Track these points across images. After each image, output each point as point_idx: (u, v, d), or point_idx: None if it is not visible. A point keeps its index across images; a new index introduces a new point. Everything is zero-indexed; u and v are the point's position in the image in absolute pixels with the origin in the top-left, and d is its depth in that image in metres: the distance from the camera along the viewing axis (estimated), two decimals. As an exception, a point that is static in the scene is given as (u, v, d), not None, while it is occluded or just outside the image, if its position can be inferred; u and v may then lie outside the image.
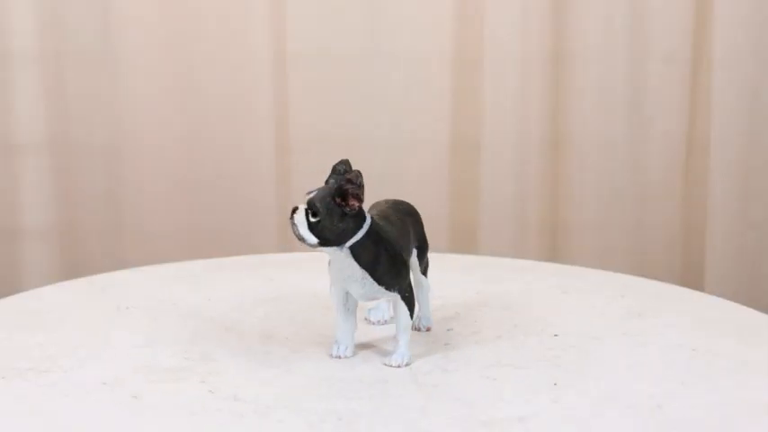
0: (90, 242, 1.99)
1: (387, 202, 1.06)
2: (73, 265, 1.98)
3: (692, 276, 2.00)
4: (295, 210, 0.95)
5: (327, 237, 0.95)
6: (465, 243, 1.99)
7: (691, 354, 1.03)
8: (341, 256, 0.97)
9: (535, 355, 1.03)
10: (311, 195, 0.95)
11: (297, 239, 0.95)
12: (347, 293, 1.01)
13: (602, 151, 1.98)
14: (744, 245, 1.97)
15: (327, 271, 1.01)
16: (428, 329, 1.10)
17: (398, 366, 0.99)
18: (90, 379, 0.96)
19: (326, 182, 0.98)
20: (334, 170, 0.98)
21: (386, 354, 1.02)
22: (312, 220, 0.94)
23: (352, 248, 0.96)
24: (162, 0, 1.90)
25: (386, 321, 1.12)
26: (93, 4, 1.90)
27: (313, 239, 0.94)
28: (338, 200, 0.95)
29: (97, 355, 1.02)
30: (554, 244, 2.03)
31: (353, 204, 0.95)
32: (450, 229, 1.98)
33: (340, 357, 1.01)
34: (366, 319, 1.11)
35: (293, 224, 0.95)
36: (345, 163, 0.99)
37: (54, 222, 1.98)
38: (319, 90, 1.96)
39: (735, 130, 1.93)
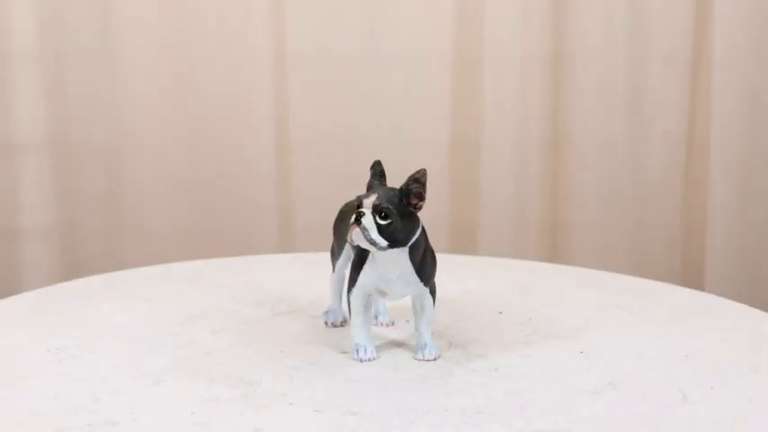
0: (90, 242, 1.99)
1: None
2: (73, 265, 1.98)
3: (692, 276, 2.01)
4: (360, 215, 0.94)
5: (398, 238, 0.94)
6: (465, 243, 1.99)
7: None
8: (397, 256, 0.96)
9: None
10: (373, 199, 0.94)
11: (362, 244, 0.94)
12: (368, 296, 1.00)
13: (602, 151, 1.98)
14: (744, 245, 1.97)
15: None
16: (391, 324, 1.12)
17: (434, 359, 1.01)
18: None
19: (371, 184, 0.99)
20: (375, 170, 1.01)
21: (392, 350, 1.03)
22: (382, 222, 0.94)
23: (410, 247, 0.96)
24: (162, 0, 1.90)
25: (391, 323, 1.12)
26: (93, 4, 1.90)
27: (383, 242, 0.94)
28: (406, 200, 0.95)
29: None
30: (554, 244, 2.03)
31: (419, 204, 0.96)
32: (450, 229, 1.98)
33: (369, 360, 1.00)
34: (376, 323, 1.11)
35: (363, 229, 0.93)
36: (379, 163, 1.00)
37: (54, 222, 1.98)
38: (319, 90, 1.96)
39: (735, 130, 1.93)
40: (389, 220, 0.94)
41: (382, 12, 1.93)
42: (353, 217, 0.94)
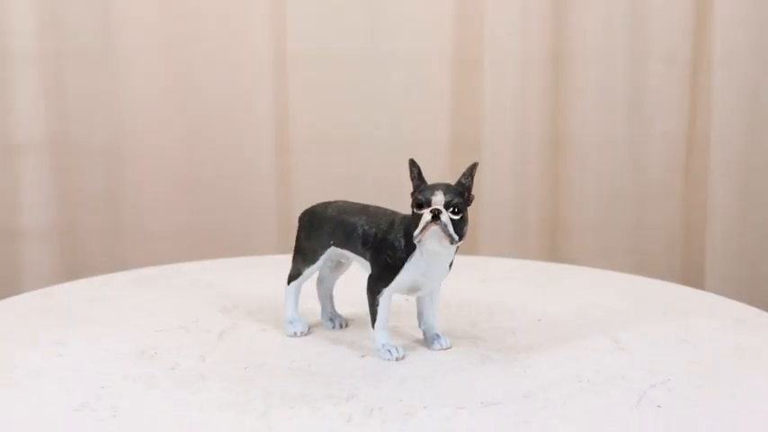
0: (90, 242, 1.99)
1: (341, 203, 1.07)
2: (73, 265, 1.98)
3: (692, 276, 2.01)
4: (437, 213, 0.93)
5: (465, 232, 0.96)
6: (465, 243, 1.98)
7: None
8: (447, 251, 0.98)
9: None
10: (442, 196, 0.94)
11: (434, 242, 0.94)
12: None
13: (602, 151, 1.98)
14: (744, 245, 1.97)
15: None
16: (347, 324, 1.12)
17: (450, 347, 1.04)
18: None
19: (419, 182, 0.98)
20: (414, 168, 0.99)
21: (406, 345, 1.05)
22: (455, 218, 0.94)
23: None
24: (162, 0, 1.90)
25: (347, 325, 1.13)
26: (93, 4, 1.90)
27: (457, 237, 0.94)
28: (466, 194, 0.96)
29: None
30: (554, 244, 2.03)
31: (472, 198, 0.97)
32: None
33: (403, 358, 1.01)
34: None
35: (443, 226, 0.93)
36: (415, 162, 0.99)
37: (54, 222, 1.98)
38: (319, 90, 1.96)
39: (735, 130, 1.93)
40: (461, 215, 0.94)
41: (382, 12, 1.93)
42: (429, 215, 0.93)
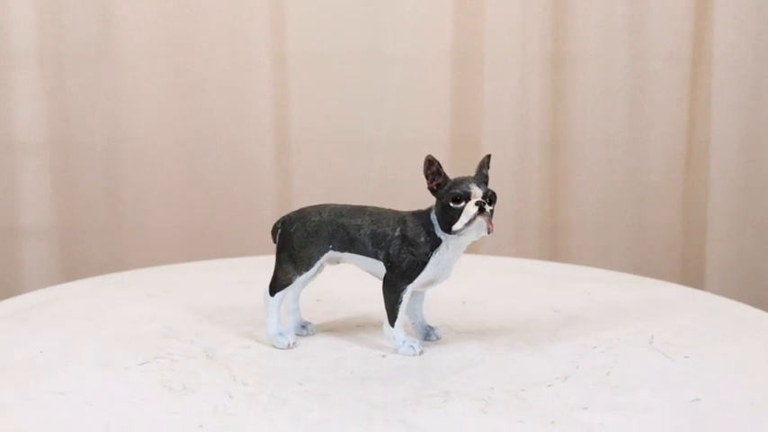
0: (90, 242, 1.99)
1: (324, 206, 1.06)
2: (73, 265, 1.98)
3: (692, 276, 2.01)
4: (483, 204, 0.97)
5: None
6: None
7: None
8: (467, 242, 1.01)
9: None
10: (477, 188, 0.98)
11: (476, 234, 0.99)
12: None
13: (603, 151, 1.98)
14: (744, 245, 1.97)
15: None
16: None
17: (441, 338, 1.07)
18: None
19: (444, 178, 1.00)
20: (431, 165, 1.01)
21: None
22: (491, 208, 0.99)
23: None
24: (162, 0, 1.90)
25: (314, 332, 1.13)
26: (93, 4, 1.90)
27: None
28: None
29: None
30: (554, 244, 2.03)
31: None
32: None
33: (422, 352, 1.03)
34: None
35: (490, 216, 0.98)
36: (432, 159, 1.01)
37: (54, 222, 1.98)
38: (319, 90, 1.96)
39: (735, 130, 1.93)
40: (493, 206, 0.99)
41: (382, 12, 1.93)
42: (475, 207, 0.97)
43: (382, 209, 1.04)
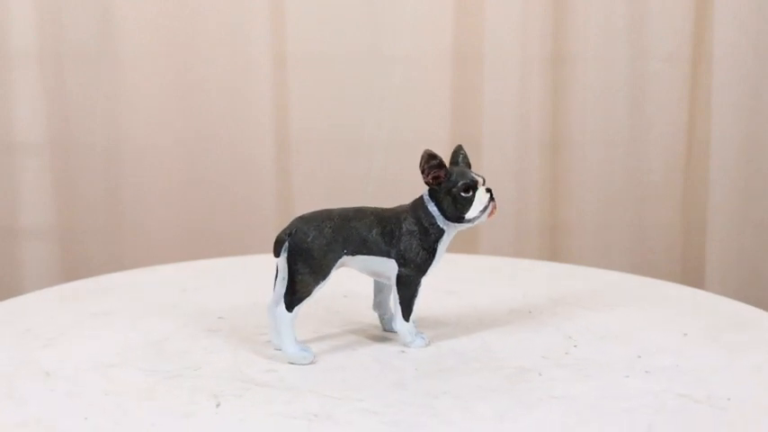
0: (90, 242, 1.99)
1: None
2: (73, 266, 1.98)
3: (692, 276, 2.01)
4: (491, 190, 1.02)
5: None
6: (465, 243, 1.99)
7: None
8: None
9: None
10: (479, 178, 1.02)
11: (482, 220, 1.03)
12: None
13: (603, 151, 1.98)
14: (744, 245, 1.97)
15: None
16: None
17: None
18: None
19: (443, 168, 1.01)
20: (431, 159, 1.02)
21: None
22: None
23: None
24: (162, 0, 1.90)
25: None
26: (93, 4, 1.90)
27: None
28: None
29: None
30: (554, 244, 2.03)
31: None
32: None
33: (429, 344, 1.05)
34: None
35: (495, 203, 1.02)
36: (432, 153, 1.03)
37: (54, 222, 1.98)
38: (319, 90, 1.96)
39: (735, 130, 1.93)
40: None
41: (382, 12, 1.93)
42: (488, 194, 1.02)
43: (378, 208, 1.04)
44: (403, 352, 1.03)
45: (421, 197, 1.04)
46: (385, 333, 1.09)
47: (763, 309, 1.20)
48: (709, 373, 0.97)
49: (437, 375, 0.96)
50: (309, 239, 0.99)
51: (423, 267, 1.03)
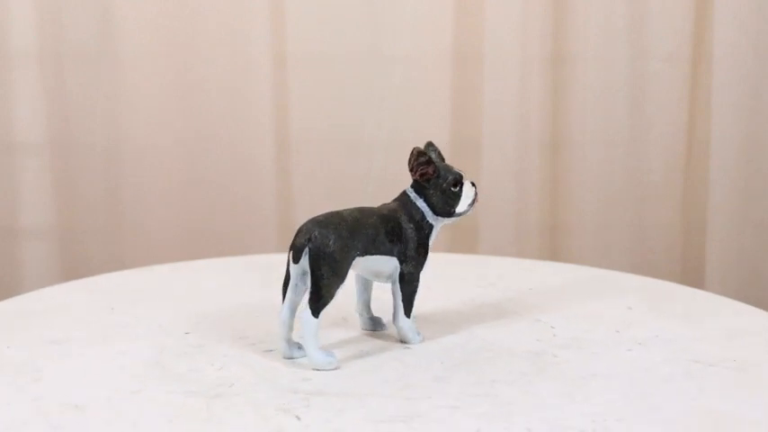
0: (90, 242, 1.99)
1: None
2: (73, 265, 1.98)
3: (692, 276, 2.01)
4: (474, 184, 1.07)
5: None
6: (465, 243, 1.99)
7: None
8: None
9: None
10: (462, 172, 1.06)
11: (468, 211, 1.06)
12: None
13: (603, 151, 1.98)
14: (744, 245, 1.97)
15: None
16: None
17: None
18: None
19: (433, 164, 1.05)
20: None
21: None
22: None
23: None
24: (162, 0, 1.90)
25: None
26: (93, 4, 1.90)
27: None
28: None
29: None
30: (554, 244, 2.03)
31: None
32: (450, 229, 1.98)
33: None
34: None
35: (477, 194, 1.06)
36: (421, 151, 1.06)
37: (54, 222, 1.98)
38: (319, 90, 1.96)
39: (735, 130, 1.93)
40: None
41: (382, 12, 1.94)
42: (474, 188, 1.06)
43: (373, 207, 1.04)
44: (408, 348, 1.04)
45: (405, 194, 1.05)
46: (371, 332, 1.09)
47: (764, 309, 1.20)
48: (692, 340, 1.06)
49: (465, 367, 0.98)
50: (331, 243, 0.97)
51: (421, 263, 1.04)
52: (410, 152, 1.03)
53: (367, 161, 1.96)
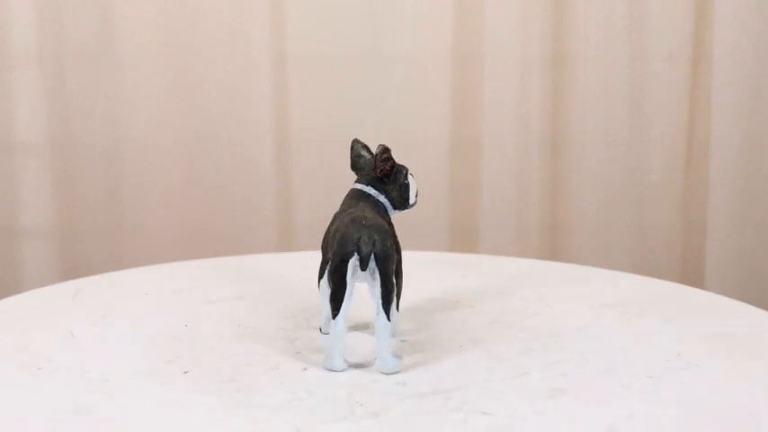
0: (90, 242, 1.99)
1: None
2: (73, 265, 1.98)
3: (692, 276, 2.01)
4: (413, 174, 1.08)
5: None
6: (465, 243, 1.99)
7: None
8: None
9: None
10: None
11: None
12: None
13: (602, 151, 1.98)
14: (744, 245, 1.97)
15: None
16: None
17: None
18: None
19: (392, 159, 1.07)
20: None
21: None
22: None
23: None
24: (162, 0, 1.90)
25: None
26: (93, 4, 1.90)
27: None
28: None
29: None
30: (554, 244, 2.03)
31: None
32: (450, 229, 1.98)
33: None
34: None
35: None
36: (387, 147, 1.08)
37: (54, 222, 1.98)
38: (319, 90, 1.96)
39: (735, 130, 1.93)
40: None
41: (382, 12, 1.94)
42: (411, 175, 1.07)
43: (351, 209, 1.03)
44: (404, 341, 1.04)
45: (360, 192, 1.06)
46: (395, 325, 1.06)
47: (764, 309, 1.20)
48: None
49: (487, 349, 1.00)
50: (389, 244, 0.97)
51: (398, 250, 1.02)
52: (378, 150, 1.06)
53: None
